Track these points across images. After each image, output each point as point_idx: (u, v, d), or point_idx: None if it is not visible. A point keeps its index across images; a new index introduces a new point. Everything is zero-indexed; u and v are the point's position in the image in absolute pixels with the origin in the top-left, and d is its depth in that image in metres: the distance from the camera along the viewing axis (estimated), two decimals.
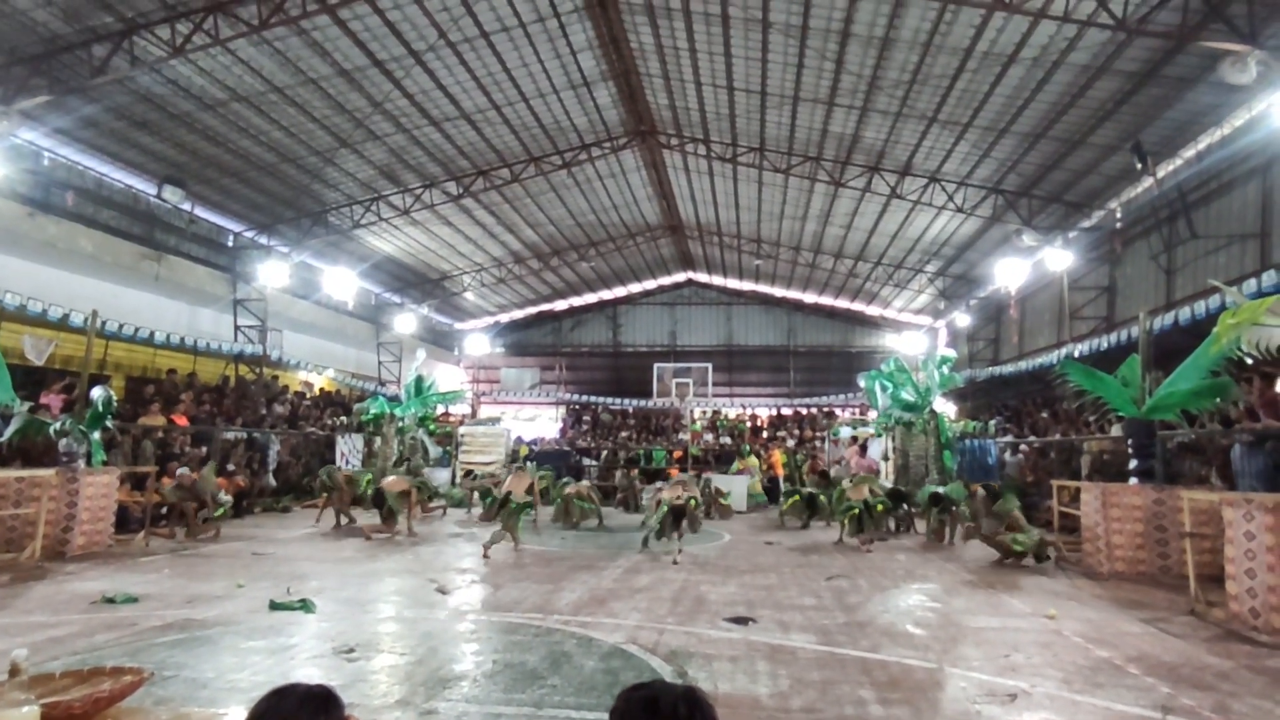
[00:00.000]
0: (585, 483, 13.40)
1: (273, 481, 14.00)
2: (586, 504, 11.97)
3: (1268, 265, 10.59)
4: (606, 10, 12.55)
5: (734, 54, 12.94)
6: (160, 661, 4.15)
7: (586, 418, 25.70)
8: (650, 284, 28.76)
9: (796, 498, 12.21)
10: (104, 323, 11.69)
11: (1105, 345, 12.84)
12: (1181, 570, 6.60)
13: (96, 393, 8.68)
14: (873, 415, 15.78)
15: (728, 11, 11.70)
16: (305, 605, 5.53)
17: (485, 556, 8.18)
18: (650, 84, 15.19)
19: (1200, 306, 10.43)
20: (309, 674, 4.03)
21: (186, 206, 14.83)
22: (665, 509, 8.84)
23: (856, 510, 9.60)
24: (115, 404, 9.05)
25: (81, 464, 8.37)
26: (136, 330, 13.22)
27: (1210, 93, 10.54)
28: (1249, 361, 6.13)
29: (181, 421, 12.57)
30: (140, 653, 4.35)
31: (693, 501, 9.32)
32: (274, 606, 5.52)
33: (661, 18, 12.56)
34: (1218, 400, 7.44)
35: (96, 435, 8.67)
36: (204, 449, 12.34)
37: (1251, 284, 9.53)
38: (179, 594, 6.03)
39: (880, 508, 9.78)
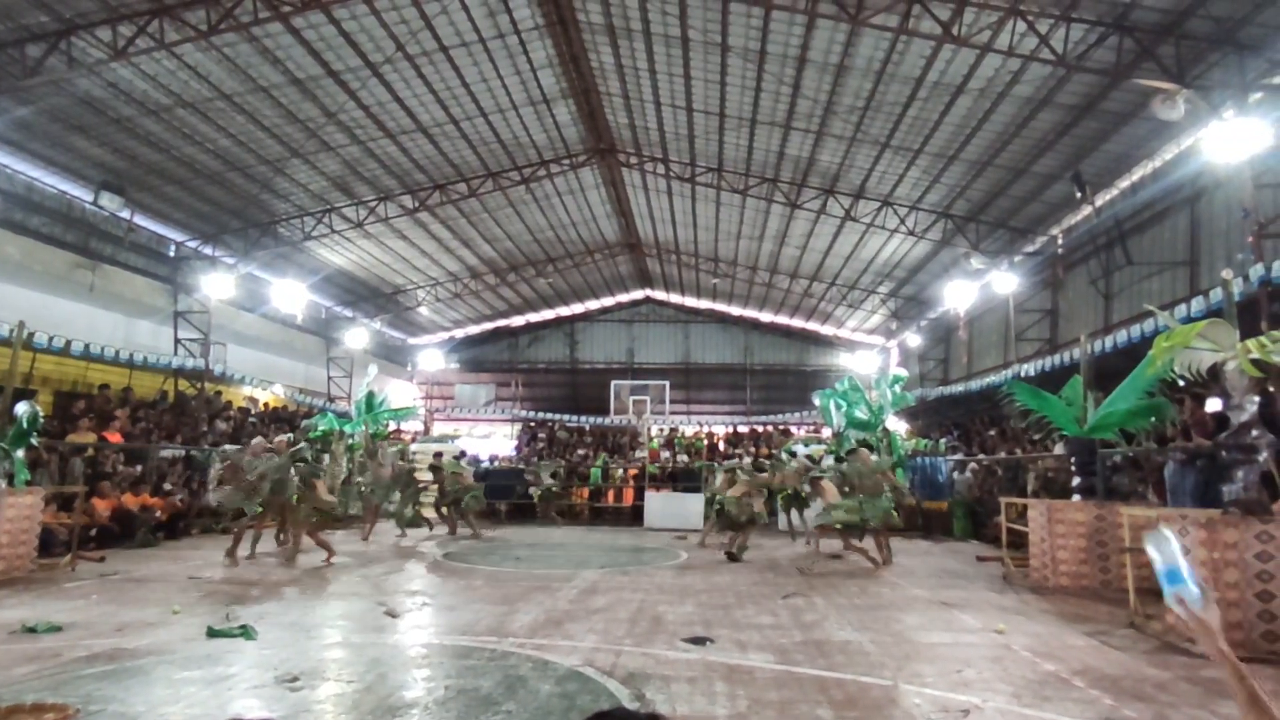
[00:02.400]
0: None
1: (212, 501, 13.41)
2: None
3: (1196, 291, 11.15)
4: (567, 29, 12.61)
5: (693, 76, 13.13)
6: (86, 695, 3.90)
7: (542, 435, 25.44)
8: (608, 301, 28.78)
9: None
10: (31, 334, 11.11)
11: (1049, 366, 13.33)
12: (1122, 584, 6.81)
13: (21, 408, 8.21)
14: (827, 433, 16.01)
15: (687, 34, 11.88)
16: (245, 632, 5.28)
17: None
18: (610, 103, 15.29)
19: (1136, 330, 10.91)
20: (249, 705, 3.86)
21: (125, 214, 14.24)
22: (716, 506, 8.68)
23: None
24: (41, 420, 8.58)
25: (3, 484, 7.88)
26: (69, 343, 12.60)
27: (1144, 127, 11.12)
28: (1181, 383, 6.42)
29: (114, 439, 11.99)
30: (64, 686, 4.08)
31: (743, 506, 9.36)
32: (212, 633, 5.25)
33: (622, 38, 12.67)
34: (1153, 420, 7.75)
35: (20, 454, 8.18)
36: (139, 468, 11.78)
37: (1182, 309, 10.02)
38: (108, 621, 5.69)
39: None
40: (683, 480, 17.47)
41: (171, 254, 16.62)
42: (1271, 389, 8.03)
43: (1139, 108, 10.51)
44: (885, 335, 25.77)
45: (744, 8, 10.76)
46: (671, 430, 24.68)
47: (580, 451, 22.49)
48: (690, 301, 28.36)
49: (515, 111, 14.80)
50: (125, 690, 4.02)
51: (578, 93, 14.85)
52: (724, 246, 21.74)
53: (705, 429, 25.85)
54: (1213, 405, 7.62)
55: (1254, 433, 5.37)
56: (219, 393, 17.47)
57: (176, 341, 16.64)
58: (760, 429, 25.16)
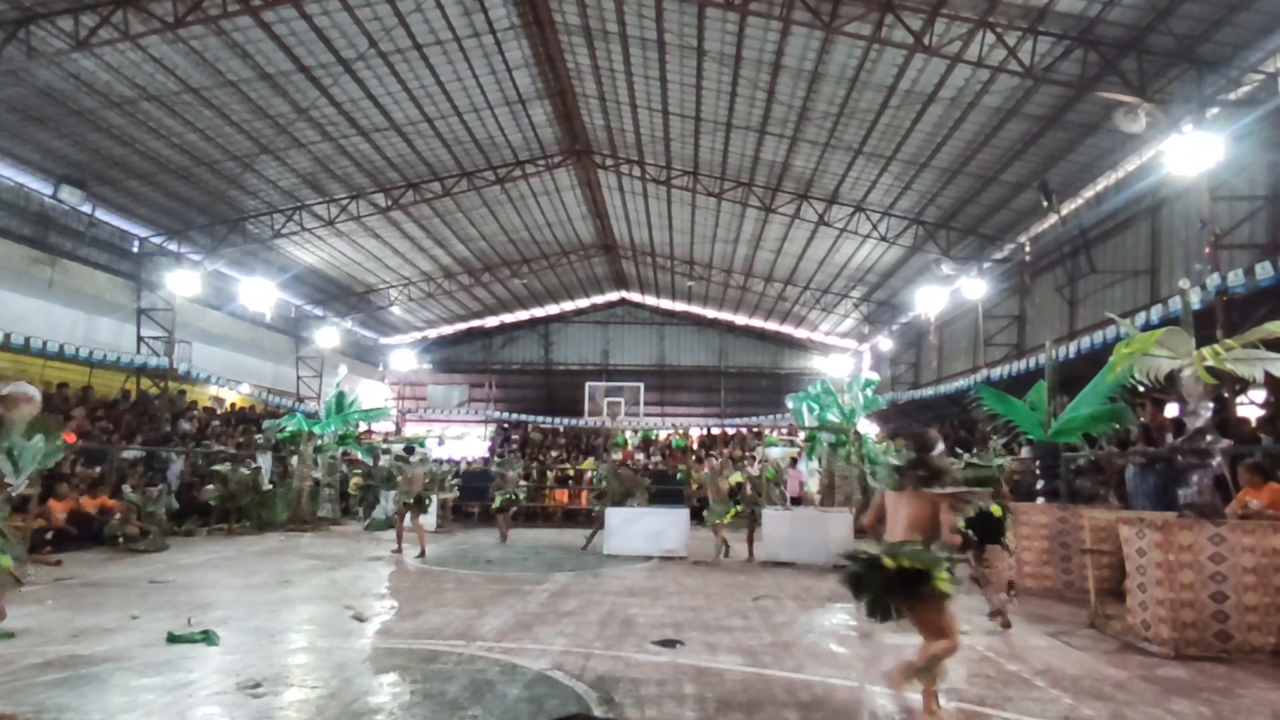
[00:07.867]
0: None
1: (175, 503, 13.10)
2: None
3: (1156, 299, 11.46)
4: (543, 29, 12.58)
5: (669, 79, 13.17)
6: (39, 704, 3.79)
7: (516, 436, 25.30)
8: (583, 302, 28.73)
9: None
10: None
11: (1016, 371, 13.58)
12: (1083, 585, 6.96)
13: None
14: (800, 436, 16.13)
15: (664, 38, 11.92)
16: (207, 637, 5.17)
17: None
18: (586, 104, 15.27)
19: (1099, 337, 11.17)
20: (209, 713, 3.78)
21: (86, 208, 13.91)
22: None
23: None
24: None
25: None
26: (28, 340, 12.25)
27: (1107, 139, 11.40)
28: (1141, 389, 6.58)
29: (70, 439, 11.65)
30: (16, 694, 3.95)
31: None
32: (172, 639, 5.14)
33: (598, 40, 12.67)
34: (1115, 424, 7.93)
35: None
36: (98, 469, 11.48)
37: (1143, 317, 10.28)
38: (63, 628, 5.53)
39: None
40: (661, 483, 14.54)
41: (135, 250, 16.25)
42: (1226, 395, 8.30)
43: (1103, 120, 10.77)
44: (858, 339, 26.07)
45: (720, 12, 10.82)
46: (646, 432, 24.70)
47: (554, 453, 22.39)
48: (665, 304, 28.42)
49: (490, 111, 14.72)
50: (80, 698, 3.91)
51: (554, 93, 14.81)
52: (699, 249, 21.83)
53: (679, 431, 25.92)
54: (1172, 410, 7.83)
55: (1208, 438, 5.52)
56: (183, 392, 17.11)
57: (139, 339, 16.27)
58: (732, 431, 25.30)
